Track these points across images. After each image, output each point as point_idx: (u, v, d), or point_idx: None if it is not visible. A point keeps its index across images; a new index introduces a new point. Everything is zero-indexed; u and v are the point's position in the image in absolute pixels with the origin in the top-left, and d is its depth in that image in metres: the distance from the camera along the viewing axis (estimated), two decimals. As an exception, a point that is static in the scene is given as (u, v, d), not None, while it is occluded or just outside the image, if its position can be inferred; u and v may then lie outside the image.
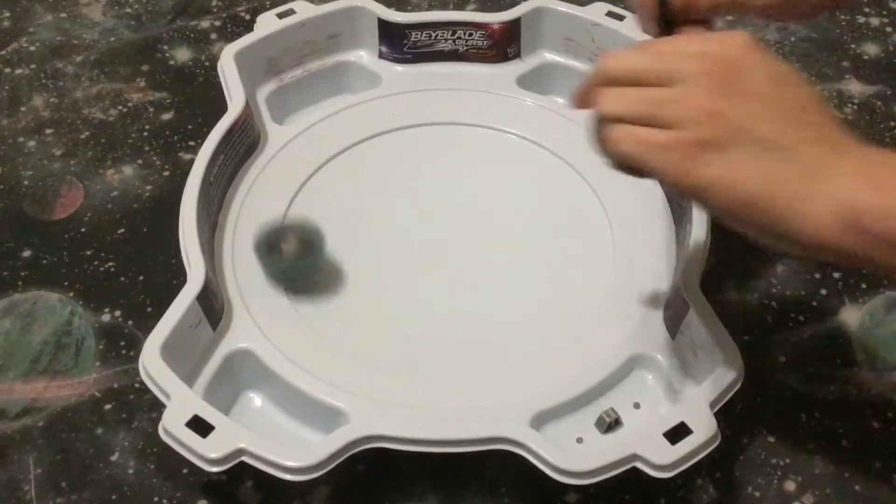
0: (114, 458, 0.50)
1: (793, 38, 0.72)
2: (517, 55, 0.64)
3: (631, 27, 0.61)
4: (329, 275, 0.54)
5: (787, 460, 0.50)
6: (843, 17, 0.74)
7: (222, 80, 0.59)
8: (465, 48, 0.64)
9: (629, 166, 0.38)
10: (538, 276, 0.55)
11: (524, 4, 0.63)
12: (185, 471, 0.49)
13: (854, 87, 0.69)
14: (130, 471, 0.49)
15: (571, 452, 0.44)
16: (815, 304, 0.56)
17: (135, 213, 0.60)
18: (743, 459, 0.50)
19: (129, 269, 0.57)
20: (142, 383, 0.47)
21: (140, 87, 0.68)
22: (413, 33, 0.63)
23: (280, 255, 0.52)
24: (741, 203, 0.36)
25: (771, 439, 0.50)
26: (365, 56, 0.65)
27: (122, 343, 0.54)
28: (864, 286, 0.57)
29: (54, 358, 0.54)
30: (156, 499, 0.48)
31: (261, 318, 0.51)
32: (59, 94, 0.68)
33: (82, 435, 0.51)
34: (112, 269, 0.57)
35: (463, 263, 0.55)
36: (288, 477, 0.43)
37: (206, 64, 0.70)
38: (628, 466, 0.44)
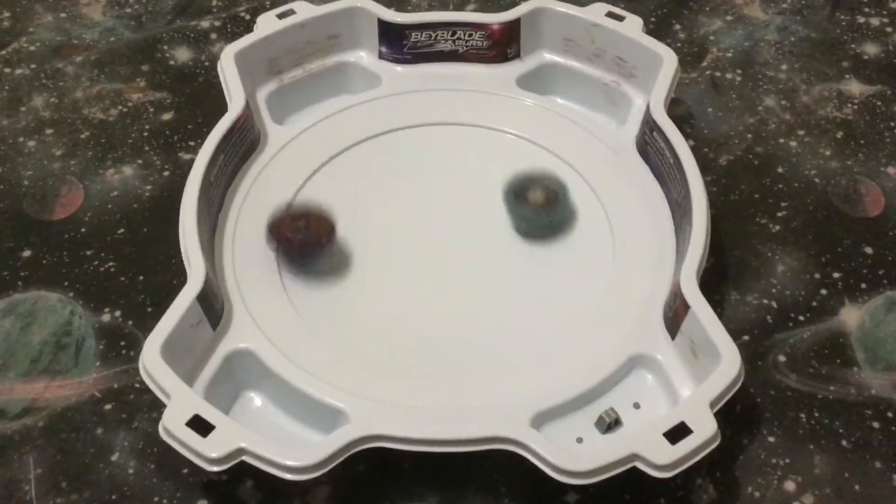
0: (114, 458, 0.50)
1: (792, 38, 0.72)
2: (517, 55, 0.64)
3: (631, 27, 0.61)
4: (329, 274, 0.54)
5: (787, 460, 0.50)
6: (843, 17, 0.74)
7: (222, 80, 0.59)
8: (464, 48, 0.64)
9: None
10: (538, 276, 0.55)
11: (524, 5, 0.63)
12: (185, 471, 0.49)
13: (854, 87, 0.69)
14: (130, 471, 0.49)
15: (571, 452, 0.44)
16: (815, 304, 0.56)
17: (135, 213, 0.60)
18: (743, 459, 0.50)
19: (129, 269, 0.57)
20: (142, 383, 0.47)
21: (140, 87, 0.68)
22: (413, 34, 0.63)
23: (525, 203, 0.53)
24: None
25: (771, 439, 0.50)
26: (365, 56, 0.65)
27: (122, 343, 0.54)
28: (864, 286, 0.57)
29: (54, 358, 0.54)
30: (156, 499, 0.48)
31: (261, 318, 0.51)
32: (59, 94, 0.68)
33: (82, 435, 0.51)
34: (112, 269, 0.57)
35: (463, 263, 0.55)
36: (288, 476, 0.43)
37: (206, 64, 0.70)
38: (628, 466, 0.44)
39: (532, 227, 0.55)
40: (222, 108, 0.57)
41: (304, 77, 0.63)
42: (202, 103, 0.67)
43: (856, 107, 0.67)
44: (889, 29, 0.73)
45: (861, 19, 0.74)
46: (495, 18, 0.63)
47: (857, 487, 0.49)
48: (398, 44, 0.63)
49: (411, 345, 0.51)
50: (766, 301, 0.56)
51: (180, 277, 0.51)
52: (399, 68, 0.64)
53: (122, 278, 0.57)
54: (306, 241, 0.53)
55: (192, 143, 0.64)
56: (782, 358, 0.54)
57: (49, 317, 0.55)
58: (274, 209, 0.54)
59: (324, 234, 0.53)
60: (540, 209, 0.54)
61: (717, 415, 0.45)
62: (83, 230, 0.59)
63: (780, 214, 0.61)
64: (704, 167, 0.59)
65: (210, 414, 0.44)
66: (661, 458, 0.43)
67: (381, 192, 0.58)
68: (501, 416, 0.46)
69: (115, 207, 0.61)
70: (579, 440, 0.47)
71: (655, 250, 0.54)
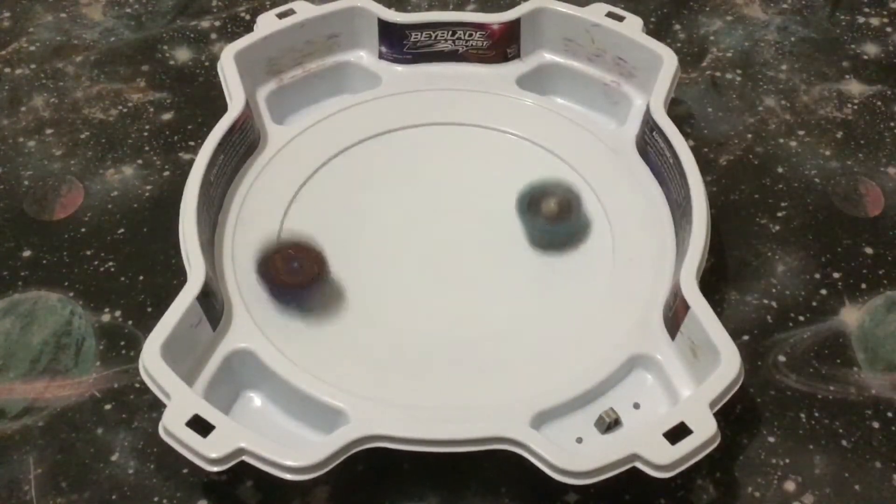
0: (114, 458, 0.50)
1: (792, 39, 0.72)
2: (517, 55, 0.64)
3: (631, 27, 0.61)
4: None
5: (787, 460, 0.50)
6: (843, 17, 0.74)
7: (222, 80, 0.59)
8: (464, 48, 0.64)
9: None
10: (538, 276, 0.55)
11: (524, 5, 0.63)
12: (185, 471, 0.49)
13: (854, 87, 0.69)
14: (130, 471, 0.49)
15: (571, 452, 0.44)
16: (815, 304, 0.56)
17: (135, 213, 0.60)
18: (743, 459, 0.50)
19: (129, 269, 0.57)
20: (142, 383, 0.47)
21: (140, 87, 0.68)
22: (413, 34, 0.63)
23: (539, 214, 0.53)
24: None
25: (771, 439, 0.50)
26: (365, 56, 0.65)
27: (122, 343, 0.54)
28: (864, 286, 0.57)
29: (54, 358, 0.54)
30: (156, 499, 0.48)
31: (261, 318, 0.51)
32: (59, 94, 0.68)
33: (82, 435, 0.51)
34: (112, 269, 0.57)
35: (463, 263, 0.55)
36: (288, 476, 0.43)
37: (206, 64, 0.70)
38: (628, 466, 0.44)
39: (548, 239, 0.55)
40: (222, 108, 0.57)
41: (304, 77, 0.63)
42: (202, 103, 0.67)
43: (856, 107, 0.67)
44: (889, 29, 0.73)
45: (861, 19, 0.74)
46: (495, 18, 0.63)
47: (857, 487, 0.49)
48: (398, 44, 0.63)
49: (411, 345, 0.51)
50: (766, 301, 0.56)
51: (180, 277, 0.51)
52: (399, 68, 0.64)
53: (122, 278, 0.57)
54: (301, 283, 0.51)
55: (192, 143, 0.64)
56: (782, 358, 0.54)
57: (49, 317, 0.55)
58: (261, 246, 0.52)
59: (319, 272, 0.51)
60: (554, 221, 0.53)
61: (717, 415, 0.45)
62: (83, 230, 0.59)
63: (780, 214, 0.61)
64: (704, 167, 0.59)
65: (210, 414, 0.44)
66: (661, 458, 0.43)
67: (380, 192, 0.58)
68: (501, 416, 0.46)
69: (115, 207, 0.61)
70: (579, 440, 0.47)
71: (655, 250, 0.54)
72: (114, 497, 0.48)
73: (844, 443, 0.50)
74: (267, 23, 0.62)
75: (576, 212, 0.54)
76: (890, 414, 0.52)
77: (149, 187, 0.62)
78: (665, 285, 0.52)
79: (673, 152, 0.55)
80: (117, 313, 0.55)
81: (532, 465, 0.44)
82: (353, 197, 0.58)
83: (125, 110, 0.67)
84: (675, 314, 0.49)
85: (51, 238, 0.59)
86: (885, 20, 0.73)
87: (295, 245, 0.52)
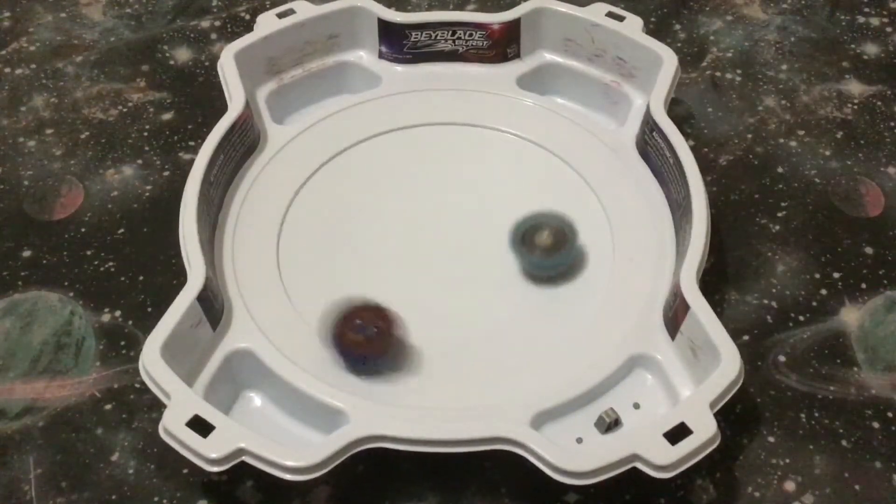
0: (114, 458, 0.50)
1: (793, 39, 0.72)
2: (517, 55, 0.64)
3: (631, 28, 0.61)
4: (329, 274, 0.54)
5: (787, 460, 0.50)
6: (843, 17, 0.74)
7: (222, 80, 0.59)
8: (465, 48, 0.64)
9: None
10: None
11: (524, 5, 0.63)
12: (185, 471, 0.49)
13: (854, 87, 0.69)
14: (130, 471, 0.49)
15: (571, 452, 0.44)
16: (815, 304, 0.56)
17: (135, 213, 0.60)
18: (743, 459, 0.50)
19: (129, 269, 0.57)
20: (142, 383, 0.47)
21: (140, 87, 0.68)
22: (413, 33, 0.63)
23: (533, 248, 0.52)
24: None
25: (771, 439, 0.50)
26: (365, 56, 0.65)
27: (122, 343, 0.54)
28: (864, 286, 0.57)
29: (54, 358, 0.54)
30: (156, 499, 0.48)
31: (261, 318, 0.51)
32: (59, 94, 0.68)
33: (82, 435, 0.51)
34: (112, 269, 0.57)
35: (463, 263, 0.55)
36: (288, 477, 0.43)
37: (206, 64, 0.70)
38: (628, 467, 0.44)
39: (540, 272, 0.54)
40: (222, 108, 0.57)
41: (304, 77, 0.63)
42: (202, 103, 0.67)
43: (856, 107, 0.67)
44: (889, 29, 0.73)
45: (861, 19, 0.74)
46: (495, 18, 0.63)
47: (857, 487, 0.49)
48: (398, 43, 0.63)
49: (411, 344, 0.51)
50: (766, 301, 0.56)
51: (180, 277, 0.51)
52: (399, 68, 0.64)
53: (122, 278, 0.57)
54: (379, 350, 0.49)
55: (192, 143, 0.64)
56: (782, 358, 0.54)
57: (49, 317, 0.55)
58: (332, 310, 0.49)
59: (394, 338, 0.49)
60: (547, 253, 0.52)
61: (717, 415, 0.45)
62: (83, 230, 0.59)
63: (780, 214, 0.61)
64: (704, 167, 0.59)
65: (210, 414, 0.44)
66: (661, 458, 0.43)
67: (380, 192, 0.58)
68: (501, 416, 0.46)
69: (115, 207, 0.61)
70: (579, 440, 0.47)
71: (655, 250, 0.54)
72: (114, 497, 0.48)
73: (844, 443, 0.50)
74: (267, 23, 0.62)
75: (570, 243, 0.53)
76: (890, 414, 0.52)
77: (149, 187, 0.62)
78: (665, 285, 0.52)
79: (673, 152, 0.55)
80: (117, 313, 0.55)
81: (532, 465, 0.44)
82: (353, 197, 0.58)
83: (125, 110, 0.67)
84: (675, 314, 0.49)
85: (51, 238, 0.59)
86: (885, 20, 0.73)
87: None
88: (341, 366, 0.49)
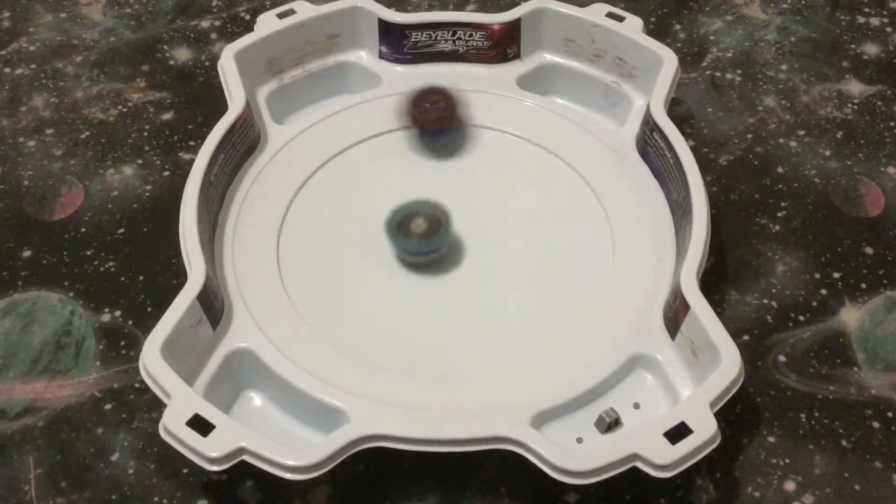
0: (114, 458, 0.50)
1: (793, 38, 0.72)
2: (517, 56, 0.64)
3: (630, 28, 0.61)
4: (329, 274, 0.54)
5: (787, 460, 0.50)
6: (843, 17, 0.74)
7: (222, 79, 0.59)
8: (465, 49, 0.64)
9: None
10: (538, 276, 0.55)
11: (524, 5, 0.63)
12: (185, 471, 0.49)
13: (854, 87, 0.69)
14: (130, 471, 0.49)
15: (572, 452, 0.44)
16: (815, 304, 0.56)
17: (135, 213, 0.60)
18: (743, 459, 0.50)
19: (129, 269, 0.57)
20: (142, 383, 0.47)
21: (140, 87, 0.68)
22: (413, 34, 0.63)
23: (408, 236, 0.53)
24: None
25: (771, 439, 0.50)
26: (365, 56, 0.65)
27: (122, 343, 0.54)
28: (864, 286, 0.57)
29: (54, 358, 0.54)
30: (156, 499, 0.48)
31: (261, 318, 0.51)
32: (59, 94, 0.68)
33: (82, 435, 0.51)
34: (112, 269, 0.57)
35: (463, 263, 0.55)
36: (288, 476, 0.43)
37: (206, 64, 0.70)
38: (628, 466, 0.44)
39: (415, 256, 0.54)
40: (222, 108, 0.57)
41: (304, 77, 0.63)
42: (202, 103, 0.67)
43: (856, 107, 0.67)
44: (889, 29, 0.73)
45: (861, 19, 0.74)
46: (495, 18, 0.63)
47: (857, 487, 0.49)
48: (398, 44, 0.63)
49: (411, 345, 0.51)
50: (766, 301, 0.56)
51: (180, 277, 0.51)
52: (399, 68, 0.64)
53: (122, 278, 0.57)
54: (447, 123, 0.59)
55: (192, 143, 0.64)
56: (782, 358, 0.54)
57: (49, 317, 0.55)
58: (403, 98, 0.59)
59: (458, 111, 0.59)
60: (422, 238, 0.53)
61: (717, 415, 0.45)
62: (83, 230, 0.59)
63: (780, 214, 0.61)
64: (704, 167, 0.59)
65: (210, 413, 0.44)
66: (662, 458, 0.43)
67: (380, 192, 0.58)
68: (501, 416, 0.46)
69: (115, 207, 0.61)
70: (579, 440, 0.47)
71: (655, 250, 0.54)
72: (114, 497, 0.48)
73: (844, 443, 0.50)
74: (267, 23, 0.62)
75: (444, 229, 0.54)
76: (890, 414, 0.52)
77: (149, 187, 0.62)
78: (665, 285, 0.52)
79: (673, 152, 0.55)
80: (117, 313, 0.55)
81: (532, 465, 0.44)
82: (353, 197, 0.58)
83: (125, 110, 0.67)
84: (676, 314, 0.49)
85: (51, 238, 0.59)
86: (885, 20, 0.73)
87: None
88: (424, 146, 0.60)
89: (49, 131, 0.65)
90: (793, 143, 0.65)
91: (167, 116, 0.66)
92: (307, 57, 0.63)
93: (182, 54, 0.71)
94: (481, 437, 0.45)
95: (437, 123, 0.59)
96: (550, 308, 0.53)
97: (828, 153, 0.64)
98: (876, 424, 0.51)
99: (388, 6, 0.64)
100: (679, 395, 0.48)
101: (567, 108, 0.63)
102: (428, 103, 0.58)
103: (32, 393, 0.52)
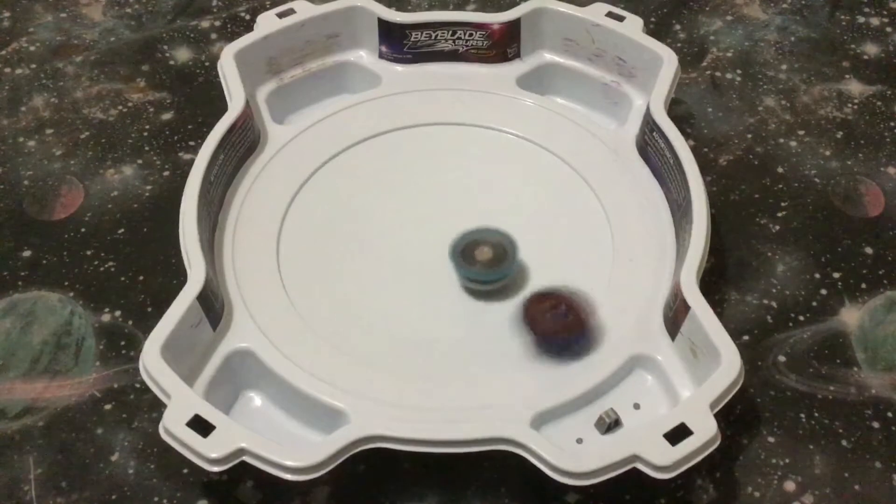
0: (114, 458, 0.50)
1: (793, 38, 0.72)
2: (517, 55, 0.64)
3: (631, 28, 0.61)
4: (329, 274, 0.54)
5: (787, 460, 0.50)
6: (843, 17, 0.74)
7: (222, 79, 0.59)
8: (465, 48, 0.64)
9: None
10: (538, 276, 0.55)
11: (524, 5, 0.63)
12: (185, 471, 0.49)
13: (854, 87, 0.69)
14: (130, 471, 0.49)
15: (572, 453, 0.44)
16: (815, 304, 0.56)
17: (135, 213, 0.60)
18: (743, 460, 0.50)
19: (129, 269, 0.57)
20: (142, 383, 0.47)
21: (140, 87, 0.68)
22: (413, 33, 0.63)
23: (473, 263, 0.52)
24: None
25: (771, 439, 0.50)
26: (365, 56, 0.65)
27: (122, 343, 0.54)
28: (864, 286, 0.57)
29: (54, 358, 0.54)
30: (156, 499, 0.48)
31: (261, 318, 0.51)
32: (59, 94, 0.68)
33: (82, 435, 0.51)
34: (112, 269, 0.57)
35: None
36: (288, 477, 0.43)
37: (206, 64, 0.70)
38: (628, 467, 0.44)
39: (480, 283, 0.53)
40: (222, 108, 0.57)
41: (304, 77, 0.63)
42: (202, 103, 0.67)
43: (856, 107, 0.67)
44: (889, 29, 0.73)
45: (861, 19, 0.74)
46: (495, 18, 0.63)
47: (857, 487, 0.49)
48: (398, 43, 0.63)
49: (411, 345, 0.51)
50: (766, 301, 0.56)
51: (180, 277, 0.51)
52: (399, 68, 0.64)
53: (122, 278, 0.57)
54: (568, 328, 0.51)
55: (192, 143, 0.64)
56: (782, 358, 0.54)
57: (49, 317, 0.55)
58: (531, 295, 0.52)
59: (585, 318, 0.51)
60: (486, 267, 0.52)
61: (717, 415, 0.45)
62: (83, 230, 0.59)
63: (780, 214, 0.61)
64: (704, 167, 0.59)
65: (210, 414, 0.44)
66: (662, 459, 0.43)
67: (380, 192, 0.58)
68: (501, 416, 0.46)
69: (115, 207, 0.61)
70: (579, 441, 0.47)
71: (655, 251, 0.54)
72: (114, 497, 0.48)
73: (844, 443, 0.50)
74: (267, 22, 0.62)
75: (510, 257, 0.53)
76: (890, 414, 0.52)
77: (149, 187, 0.62)
78: (665, 285, 0.52)
79: (673, 152, 0.55)
80: (117, 313, 0.55)
81: (532, 465, 0.44)
82: (353, 197, 0.58)
83: (125, 110, 0.67)
84: (676, 314, 0.49)
85: (51, 238, 0.59)
86: (885, 20, 0.73)
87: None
88: (545, 356, 0.50)
89: (49, 131, 0.65)
90: (793, 143, 0.65)
91: (167, 116, 0.66)
92: (307, 57, 0.63)
93: (182, 54, 0.71)
94: (481, 438, 0.45)
95: (565, 332, 0.51)
96: (550, 308, 0.53)
97: (828, 153, 0.64)
98: (876, 424, 0.51)
99: (388, 6, 0.64)
100: (679, 395, 0.48)
101: (567, 108, 0.63)
102: (548, 312, 0.51)
103: (32, 393, 0.52)
